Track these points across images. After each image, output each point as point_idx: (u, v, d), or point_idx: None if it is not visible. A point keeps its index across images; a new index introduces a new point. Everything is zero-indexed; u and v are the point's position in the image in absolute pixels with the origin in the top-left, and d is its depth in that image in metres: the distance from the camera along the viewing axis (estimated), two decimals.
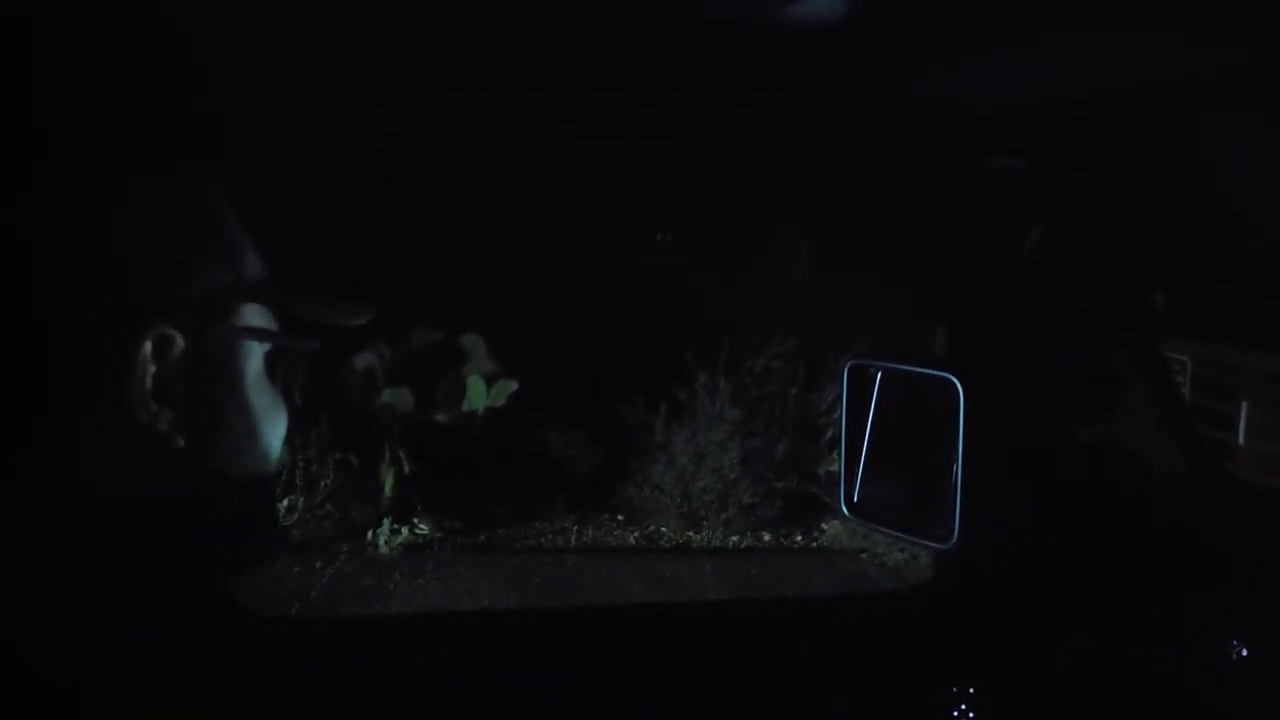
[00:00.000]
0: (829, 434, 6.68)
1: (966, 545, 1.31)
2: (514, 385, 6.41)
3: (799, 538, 6.37)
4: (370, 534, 5.82)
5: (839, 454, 1.55)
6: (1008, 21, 1.16)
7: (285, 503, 5.82)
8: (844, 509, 1.56)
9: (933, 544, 1.41)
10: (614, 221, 7.34)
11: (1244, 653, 1.20)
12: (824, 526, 6.39)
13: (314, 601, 5.11)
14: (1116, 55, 1.19)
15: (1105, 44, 1.15)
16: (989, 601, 1.34)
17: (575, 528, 6.29)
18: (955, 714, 1.20)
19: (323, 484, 5.92)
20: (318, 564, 5.55)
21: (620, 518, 6.45)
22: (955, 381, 1.37)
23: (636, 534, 6.32)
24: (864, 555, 6.03)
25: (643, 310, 6.91)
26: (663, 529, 6.36)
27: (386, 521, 5.86)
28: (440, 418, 6.30)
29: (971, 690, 1.20)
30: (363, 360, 6.14)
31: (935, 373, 1.41)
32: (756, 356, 6.68)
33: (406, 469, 6.01)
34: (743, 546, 6.24)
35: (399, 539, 5.81)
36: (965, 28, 1.18)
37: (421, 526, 5.92)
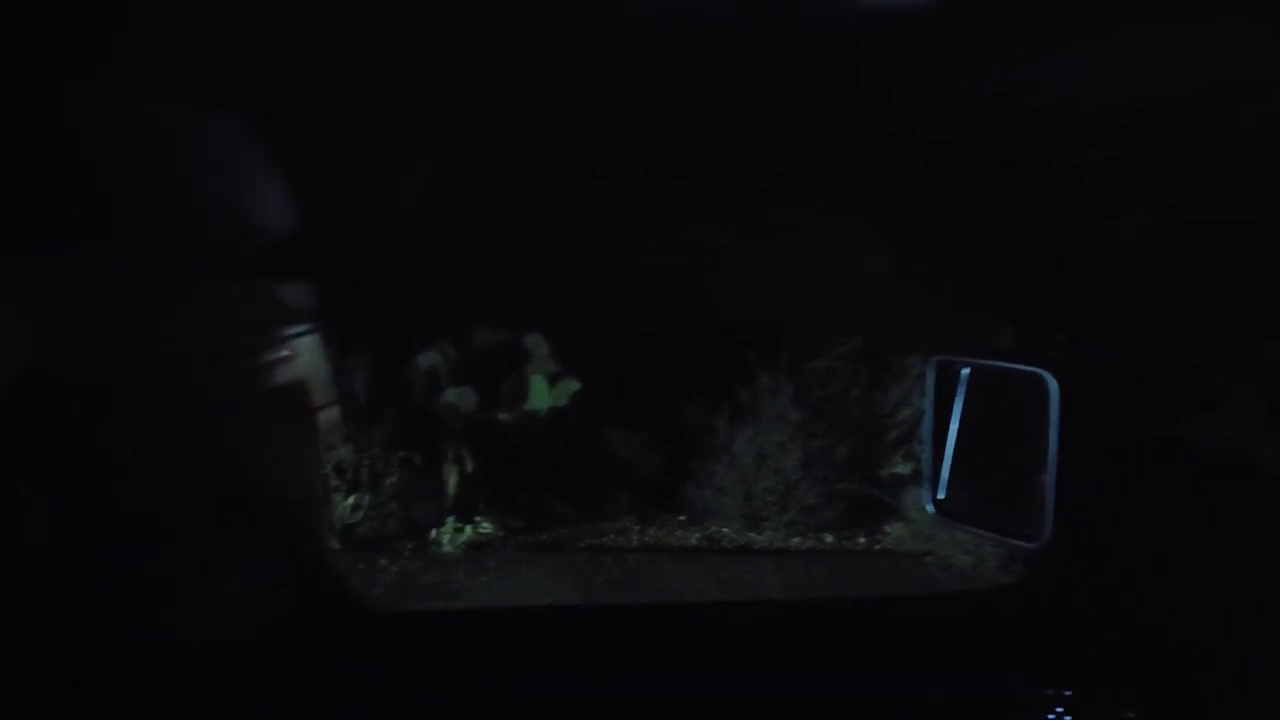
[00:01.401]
0: (892, 435, 6.62)
1: (1060, 545, 1.28)
2: (576, 385, 6.43)
3: (862, 540, 6.31)
4: (434, 532, 5.86)
5: (924, 452, 1.53)
6: (1104, 10, 1.13)
7: (350, 501, 5.88)
8: (930, 507, 1.54)
9: (1022, 543, 1.38)
10: (678, 221, 7.32)
11: None
12: (887, 529, 6.33)
13: (378, 598, 5.16)
14: (1217, 50, 1.16)
15: (1207, 37, 1.12)
16: (1087, 603, 1.31)
17: (637, 527, 6.29)
18: (1050, 717, 1.18)
19: (386, 482, 5.97)
20: (382, 562, 5.61)
21: (682, 518, 6.43)
22: (1048, 378, 1.34)
23: (698, 534, 6.30)
24: (928, 558, 5.96)
25: (705, 310, 6.89)
26: (724, 530, 6.33)
27: (450, 520, 5.89)
28: (503, 417, 6.33)
29: (1069, 693, 1.17)
30: (426, 359, 6.19)
31: (1026, 368, 1.39)
32: (819, 357, 6.64)
33: (469, 467, 6.04)
34: (805, 548, 6.19)
35: (462, 537, 5.85)
36: (1058, 16, 1.15)
37: (484, 525, 5.95)
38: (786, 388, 6.50)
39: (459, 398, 6.13)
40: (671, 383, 6.45)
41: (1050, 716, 1.20)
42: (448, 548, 5.80)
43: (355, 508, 5.90)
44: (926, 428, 1.53)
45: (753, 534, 6.31)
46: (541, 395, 6.40)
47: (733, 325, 6.69)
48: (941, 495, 1.53)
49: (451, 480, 6.04)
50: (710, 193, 7.18)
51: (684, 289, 7.12)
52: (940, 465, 1.52)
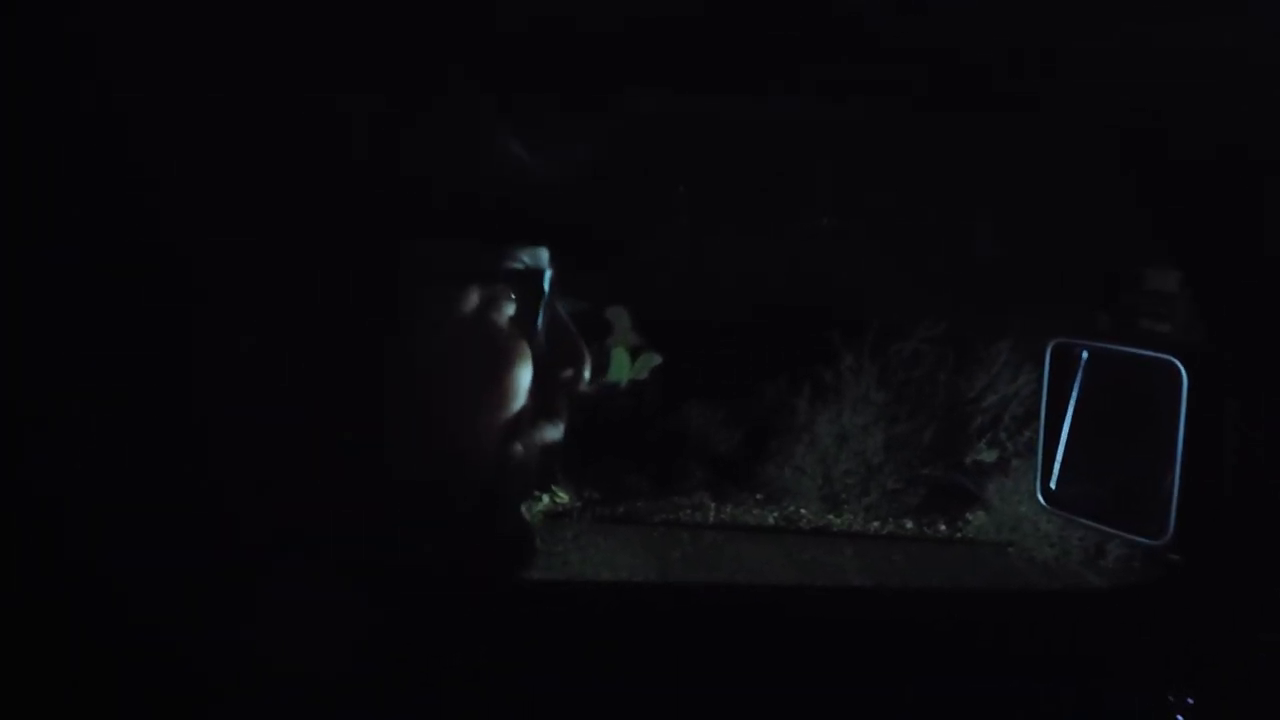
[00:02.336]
0: (977, 422, 6.48)
1: (1187, 543, 1.21)
2: (658, 359, 6.40)
3: (943, 527, 6.20)
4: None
5: (1038, 440, 1.45)
6: None
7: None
8: (1040, 499, 1.46)
9: (1143, 540, 1.30)
10: (769, 199, 7.24)
11: None
12: (969, 517, 6.21)
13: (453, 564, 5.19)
14: None
15: None
16: (1216, 605, 1.23)
17: (714, 504, 6.25)
18: None
19: None
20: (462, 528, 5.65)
21: (759, 496, 6.38)
22: (1178, 364, 1.26)
23: (775, 514, 6.24)
24: (1011, 549, 5.83)
25: (790, 289, 6.81)
26: (802, 510, 6.26)
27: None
28: (583, 388, 6.32)
29: (1191, 701, 1.10)
30: None
31: (1154, 354, 1.31)
32: (905, 339, 6.52)
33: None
34: (884, 533, 6.11)
35: (539, 506, 5.86)
36: None
37: (561, 495, 5.96)
38: (871, 369, 6.39)
39: None
40: (753, 360, 6.39)
41: None
42: (525, 516, 5.82)
43: None
44: (1041, 414, 1.45)
45: (831, 516, 6.23)
46: (622, 368, 6.38)
47: (817, 304, 6.61)
48: (1054, 485, 1.45)
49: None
50: (805, 172, 7.09)
51: (770, 267, 7.05)
52: (1054, 453, 1.44)
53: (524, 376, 0.64)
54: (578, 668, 1.25)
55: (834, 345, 6.41)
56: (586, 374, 0.70)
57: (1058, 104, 1.31)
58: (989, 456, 6.38)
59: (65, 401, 0.56)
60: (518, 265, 0.65)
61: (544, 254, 0.67)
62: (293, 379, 0.58)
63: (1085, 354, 1.39)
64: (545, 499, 5.90)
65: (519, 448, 0.65)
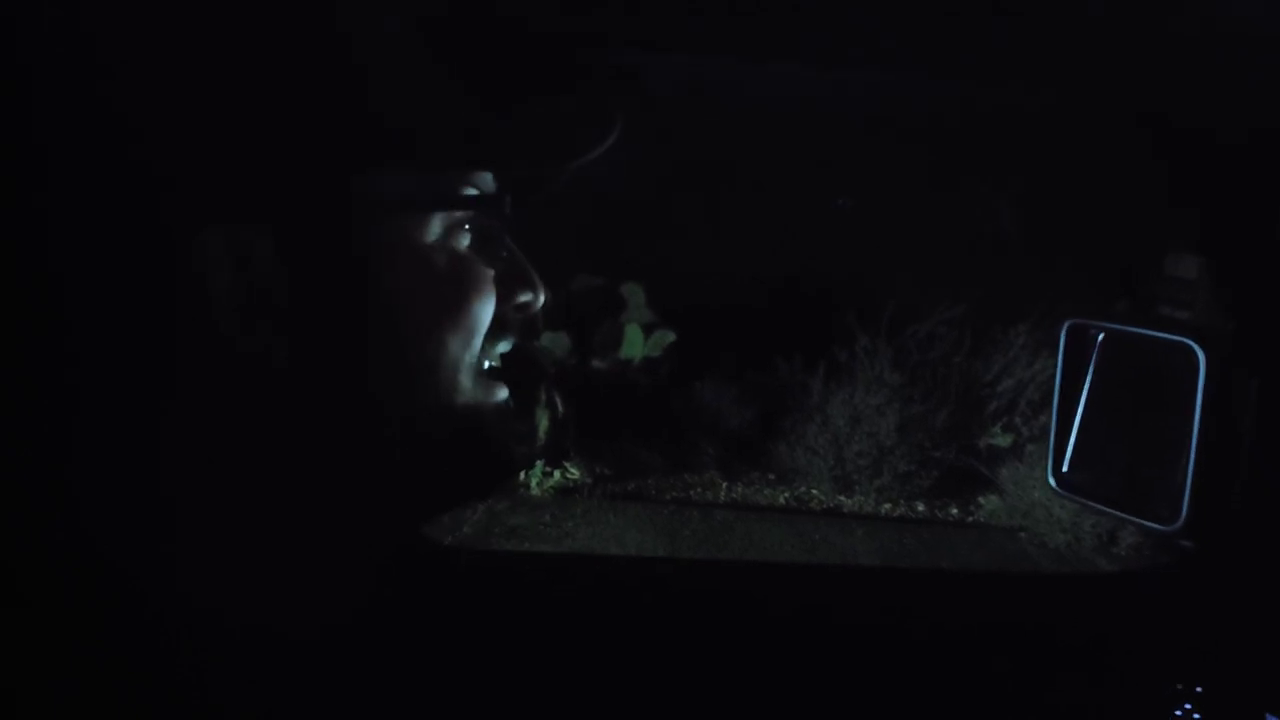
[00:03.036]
0: (992, 406, 6.45)
1: (1199, 529, 1.19)
2: (671, 336, 6.38)
3: (954, 510, 6.17)
4: (522, 475, 5.88)
5: (1051, 421, 1.43)
6: None
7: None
8: (1051, 481, 1.44)
9: (1155, 525, 1.28)
10: (787, 178, 7.19)
11: None
12: (981, 501, 6.18)
13: (465, 537, 5.21)
14: None
15: None
16: (1227, 593, 1.21)
17: (725, 483, 6.24)
18: (1179, 713, 1.09)
19: None
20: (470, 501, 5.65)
21: (771, 476, 6.36)
22: (1195, 348, 1.23)
23: (787, 494, 6.22)
24: (1023, 534, 5.81)
25: (806, 268, 6.77)
26: (814, 491, 6.25)
27: (539, 464, 5.91)
28: (596, 364, 6.31)
29: (1199, 689, 1.08)
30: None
31: (1171, 337, 1.28)
32: (921, 321, 6.48)
33: (561, 412, 6.04)
34: (895, 515, 6.08)
35: (550, 482, 5.87)
36: None
37: (572, 471, 5.96)
38: (886, 350, 6.36)
39: (554, 342, 6.13)
40: (768, 339, 6.36)
41: (1178, 713, 1.11)
42: (535, 491, 5.83)
43: None
44: (1055, 395, 1.43)
45: (842, 497, 6.21)
46: (636, 344, 6.36)
47: (835, 284, 6.57)
48: (1065, 469, 1.43)
49: (542, 424, 6.02)
50: (822, 151, 7.04)
51: (787, 247, 7.01)
52: (1066, 436, 1.42)
53: (487, 302, 0.66)
54: (576, 641, 1.25)
55: (850, 326, 6.38)
56: (541, 298, 0.71)
57: (1079, 84, 1.28)
58: (1003, 441, 6.34)
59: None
60: (476, 193, 0.65)
61: (495, 185, 0.67)
62: (258, 309, 0.57)
63: (1101, 335, 1.37)
64: (557, 474, 5.91)
65: (482, 375, 0.67)
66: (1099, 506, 1.38)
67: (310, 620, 0.62)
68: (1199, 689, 1.09)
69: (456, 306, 0.64)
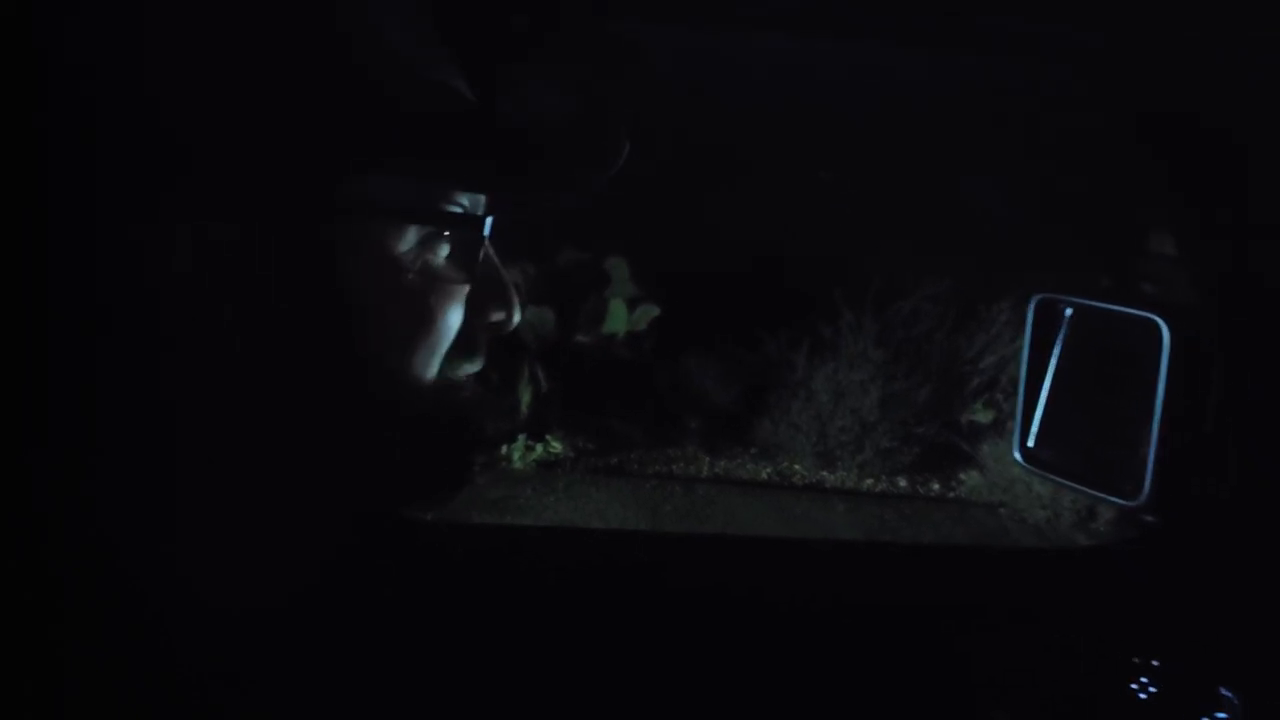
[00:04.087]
0: (975, 382, 6.47)
1: (1162, 505, 1.19)
2: (656, 311, 6.37)
3: (936, 486, 6.20)
4: (504, 449, 5.89)
5: (1018, 396, 1.43)
6: None
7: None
8: (1017, 456, 1.45)
9: (1118, 500, 1.29)
10: (773, 153, 7.16)
11: None
12: (963, 476, 6.21)
13: (445, 511, 5.20)
14: None
15: None
16: (1184, 568, 1.22)
17: (708, 458, 6.25)
18: (1134, 686, 1.10)
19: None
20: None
21: (754, 451, 6.37)
22: (1160, 323, 1.24)
23: (769, 469, 6.24)
24: (1003, 509, 5.84)
25: (793, 244, 6.76)
26: (796, 466, 6.26)
27: (521, 437, 5.92)
28: (580, 339, 6.31)
29: (1155, 664, 1.09)
30: (509, 276, 6.16)
31: (1138, 313, 1.28)
32: (905, 297, 6.48)
33: (544, 387, 6.05)
34: (877, 490, 6.11)
35: (532, 456, 5.87)
36: None
37: (555, 445, 5.97)
38: (870, 326, 6.36)
39: (537, 316, 6.12)
40: (752, 315, 6.36)
41: (1134, 686, 1.12)
42: (518, 465, 5.83)
43: None
44: (1022, 369, 1.43)
45: (824, 472, 6.23)
46: (620, 319, 6.35)
47: (819, 261, 6.56)
48: (1031, 443, 1.43)
49: (525, 398, 6.05)
50: (807, 124, 7.01)
51: (772, 222, 7.00)
52: (1033, 411, 1.42)
53: (455, 317, 0.66)
54: (557, 613, 1.25)
55: (834, 302, 6.38)
56: (516, 318, 0.71)
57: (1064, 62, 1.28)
58: (985, 417, 6.37)
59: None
60: (457, 208, 0.65)
61: (483, 200, 0.67)
62: (231, 311, 0.57)
63: (1069, 311, 1.37)
64: (539, 448, 5.91)
65: (447, 385, 0.67)
66: (1064, 481, 1.39)
67: (280, 592, 0.63)
68: (1155, 663, 1.10)
69: (420, 318, 0.64)
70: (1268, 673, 1.10)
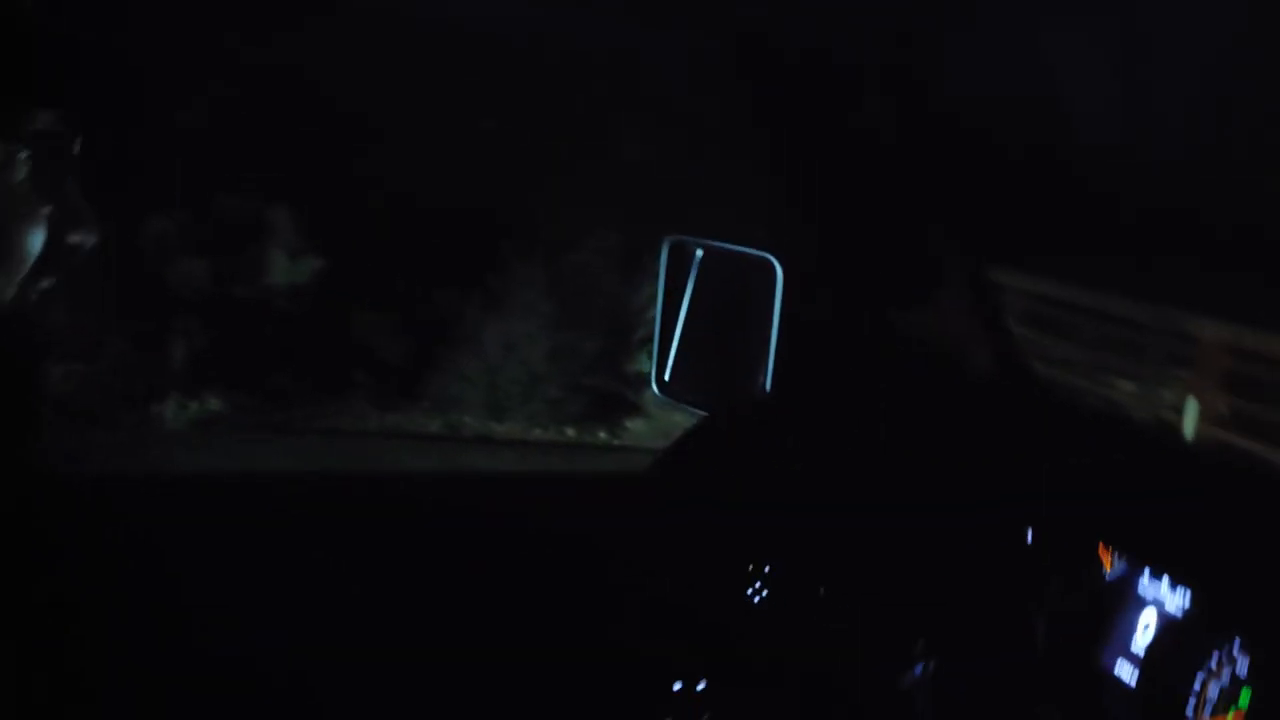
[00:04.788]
0: (640, 332, 6.71)
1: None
2: (318, 261, 6.16)
3: (602, 434, 6.41)
4: (156, 407, 5.53)
5: (654, 333, 1.52)
6: None
7: (62, 370, 5.45)
8: (654, 388, 1.53)
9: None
10: (441, 101, 7.07)
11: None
12: (628, 424, 6.45)
13: (84, 467, 4.83)
14: None
15: None
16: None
17: (377, 412, 6.14)
18: (750, 590, 1.20)
19: (106, 354, 5.57)
20: (97, 435, 5.25)
21: (425, 405, 6.33)
22: (774, 262, 1.34)
23: (439, 422, 6.22)
24: None
25: (463, 195, 6.72)
26: (466, 419, 6.28)
27: (175, 396, 5.58)
28: (238, 291, 6.00)
29: (768, 569, 1.20)
30: (155, 224, 5.76)
31: (755, 253, 1.39)
32: (575, 250, 6.62)
33: (200, 342, 5.72)
34: (545, 440, 6.24)
35: (188, 414, 5.55)
36: None
37: (213, 402, 5.67)
38: (540, 278, 6.46)
39: (191, 268, 5.77)
40: (422, 267, 6.29)
41: (749, 591, 1.22)
42: (173, 424, 5.49)
43: (67, 377, 5.47)
44: (658, 309, 1.51)
45: (494, 424, 6.29)
46: (281, 270, 6.10)
47: (493, 213, 6.56)
48: (667, 376, 1.52)
49: (178, 354, 5.69)
50: (478, 77, 6.96)
51: (440, 171, 6.92)
52: (669, 346, 1.51)
53: (34, 238, 0.64)
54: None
55: (505, 254, 6.41)
56: (91, 244, 0.70)
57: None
58: (649, 366, 6.62)
59: None
60: (39, 128, 0.63)
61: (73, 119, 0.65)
62: None
63: (700, 252, 1.46)
64: (195, 406, 5.59)
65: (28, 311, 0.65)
66: (695, 409, 1.49)
67: None
68: (768, 569, 1.21)
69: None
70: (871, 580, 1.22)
